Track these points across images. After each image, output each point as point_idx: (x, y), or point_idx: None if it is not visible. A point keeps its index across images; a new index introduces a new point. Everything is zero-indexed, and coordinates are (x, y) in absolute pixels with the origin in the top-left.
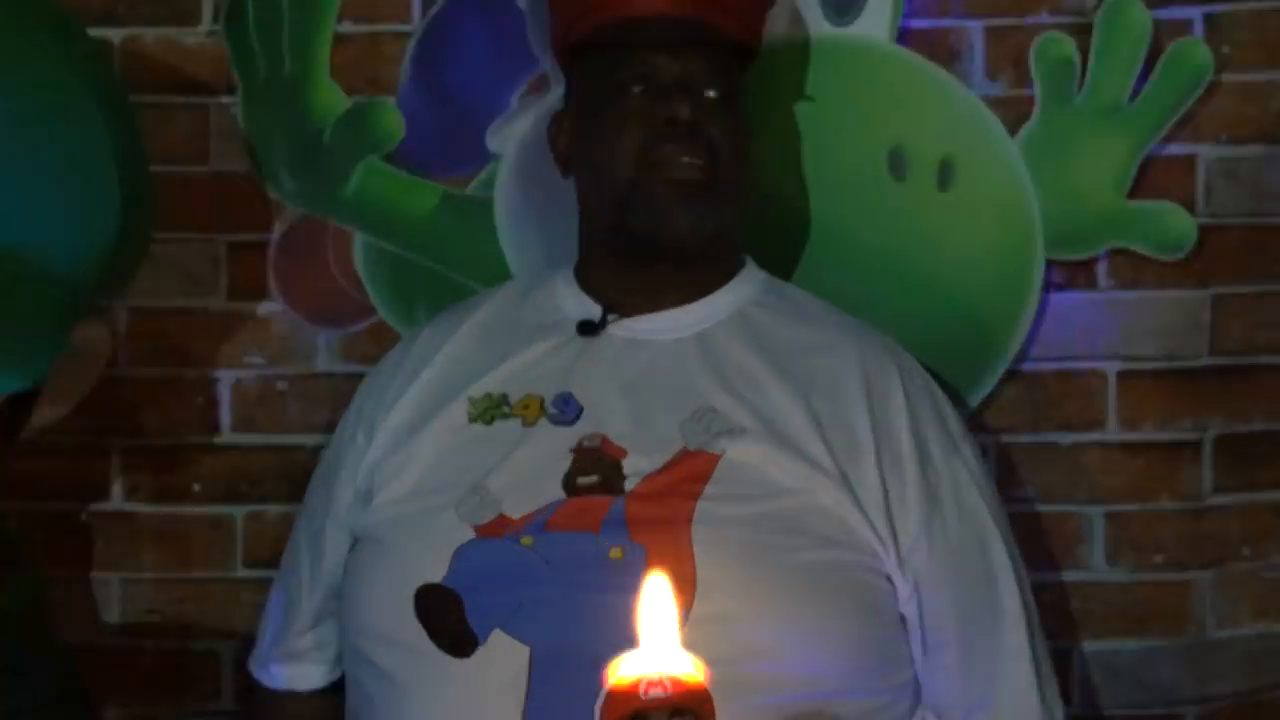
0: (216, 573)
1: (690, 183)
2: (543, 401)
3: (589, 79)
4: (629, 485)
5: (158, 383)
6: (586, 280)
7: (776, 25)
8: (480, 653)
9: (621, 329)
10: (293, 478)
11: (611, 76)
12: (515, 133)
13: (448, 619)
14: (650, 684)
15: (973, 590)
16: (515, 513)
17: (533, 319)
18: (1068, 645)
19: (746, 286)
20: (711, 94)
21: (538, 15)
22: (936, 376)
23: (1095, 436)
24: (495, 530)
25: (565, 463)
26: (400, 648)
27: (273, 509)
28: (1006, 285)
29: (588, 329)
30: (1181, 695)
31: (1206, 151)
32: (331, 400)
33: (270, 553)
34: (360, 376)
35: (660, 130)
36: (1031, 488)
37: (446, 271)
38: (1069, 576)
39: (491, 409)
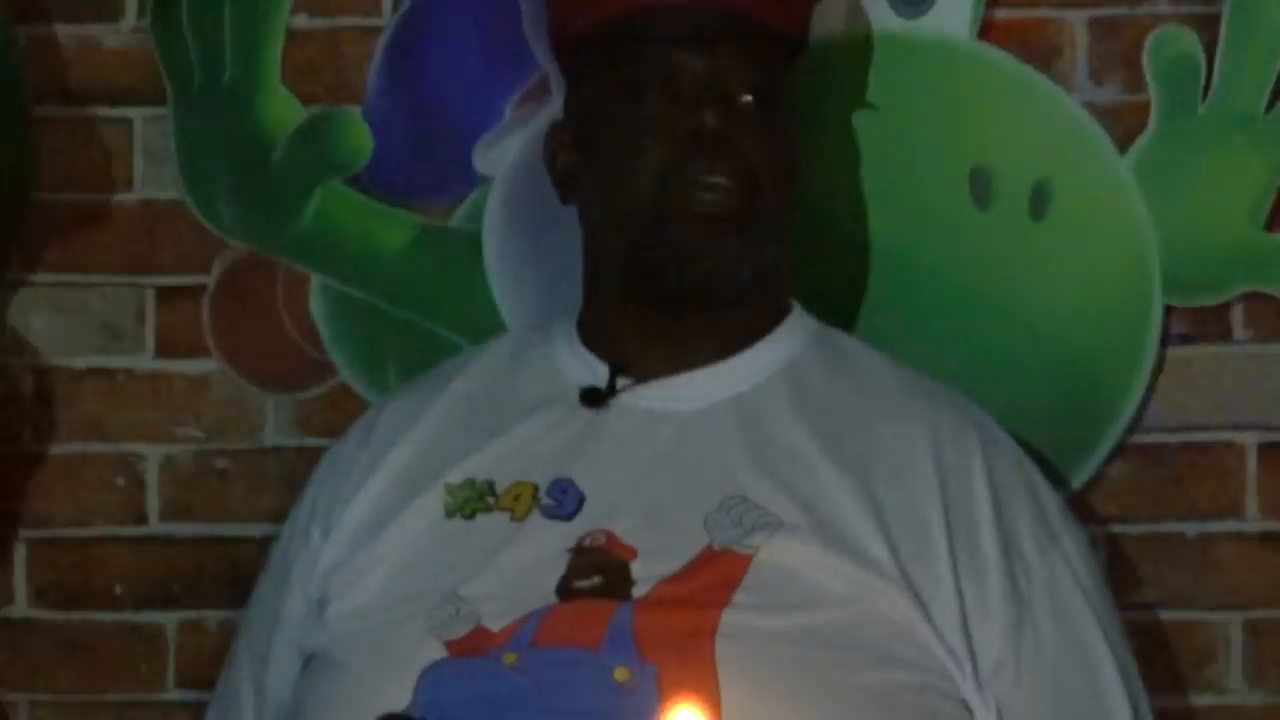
0: (142, 694)
1: (722, 212)
2: (535, 490)
3: (594, 82)
4: (639, 591)
5: (70, 461)
6: (592, 336)
7: (833, 15)
8: None
9: (635, 397)
10: (236, 578)
11: (622, 79)
12: (507, 151)
13: None
14: None
15: (1076, 716)
16: (497, 625)
17: (527, 387)
18: None
19: (793, 339)
20: (747, 98)
21: (536, 4)
22: (1031, 450)
23: (1231, 526)
24: (472, 647)
25: (561, 566)
26: None
27: (212, 616)
28: (1116, 337)
29: (592, 398)
30: None
31: None
32: (283, 482)
33: (208, 671)
34: (319, 453)
35: (684, 145)
36: (1152, 590)
37: (425, 323)
38: (1199, 700)
39: (473, 500)
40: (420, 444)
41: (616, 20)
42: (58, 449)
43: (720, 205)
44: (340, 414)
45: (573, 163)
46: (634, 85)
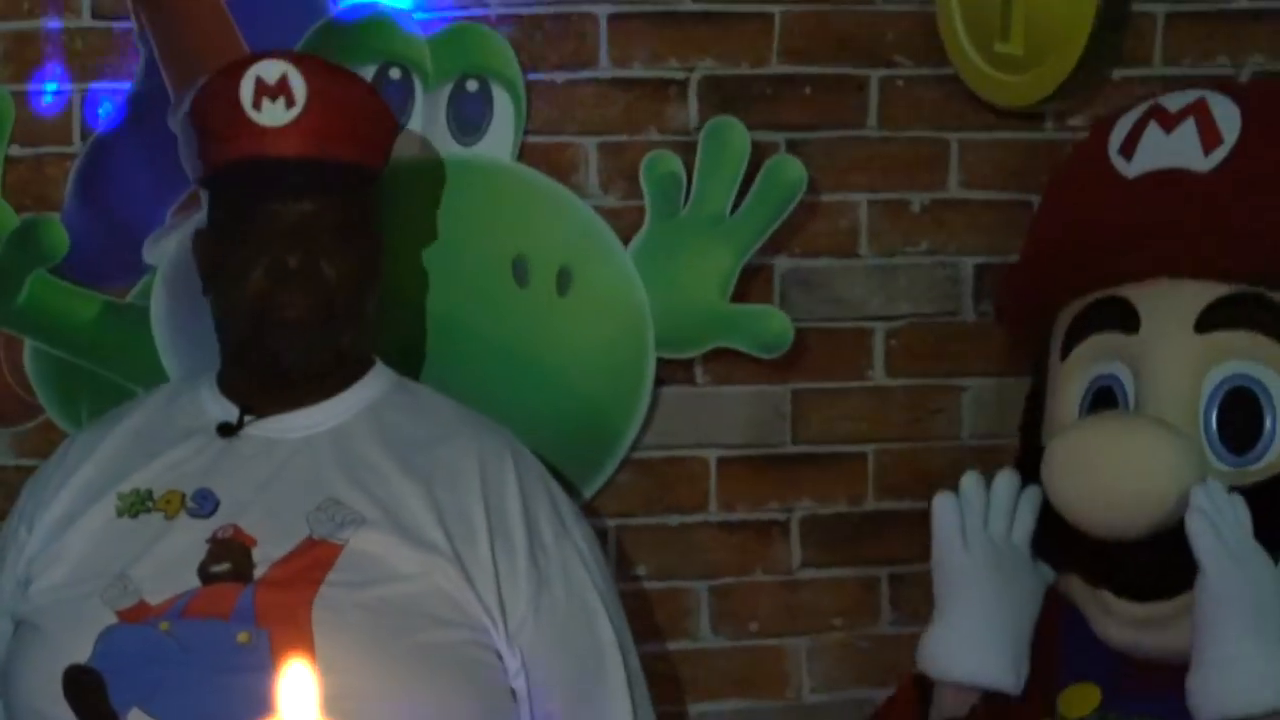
0: None
1: (303, 322)
2: (184, 497)
3: (222, 208)
4: (258, 573)
5: None
6: (227, 385)
7: (409, 147)
8: None
9: (258, 429)
10: None
11: (238, 214)
12: (168, 246)
13: (91, 698)
14: None
15: (580, 662)
16: (155, 599)
17: (179, 421)
18: (678, 709)
19: (374, 385)
20: (329, 231)
21: (189, 138)
22: (551, 466)
23: (700, 517)
24: (136, 616)
25: (202, 553)
26: None
27: None
28: (621, 383)
29: (226, 430)
30: None
31: (782, 262)
32: (4, 491)
33: None
34: (30, 470)
35: (273, 278)
36: (647, 566)
37: (108, 374)
38: (676, 647)
39: (137, 504)
40: (100, 464)
41: (233, 164)
42: None
43: (302, 315)
44: (49, 440)
45: (211, 262)
46: (245, 224)
